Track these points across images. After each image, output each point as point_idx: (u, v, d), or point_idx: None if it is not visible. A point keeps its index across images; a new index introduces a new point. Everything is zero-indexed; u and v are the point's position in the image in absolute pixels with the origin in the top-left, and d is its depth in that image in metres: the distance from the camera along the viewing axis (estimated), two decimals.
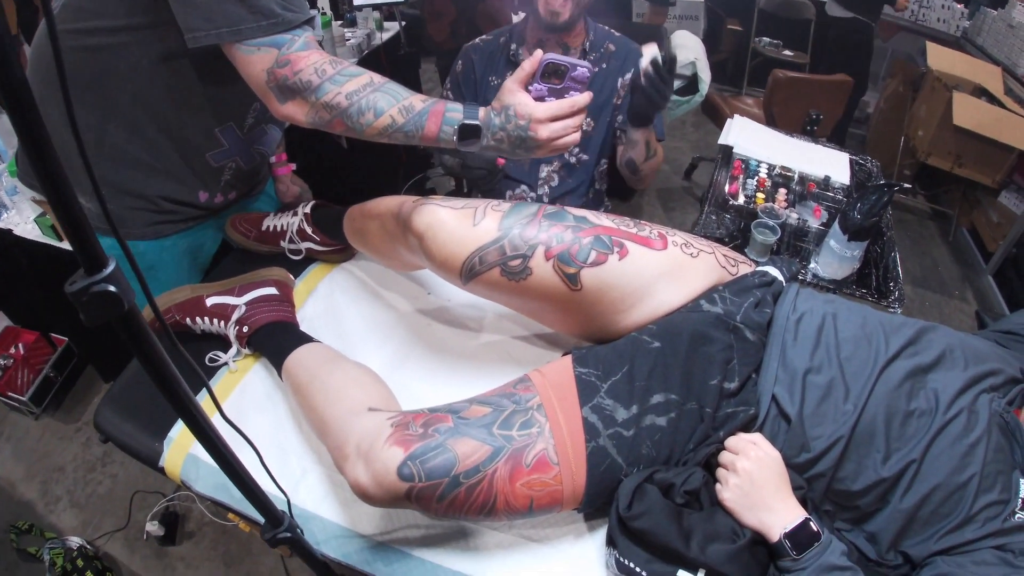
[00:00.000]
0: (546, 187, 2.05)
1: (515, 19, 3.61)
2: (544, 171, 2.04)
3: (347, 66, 1.18)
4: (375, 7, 3.12)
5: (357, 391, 1.16)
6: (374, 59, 3.06)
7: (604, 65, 1.91)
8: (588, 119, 1.95)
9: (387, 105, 1.14)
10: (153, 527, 2.23)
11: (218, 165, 1.52)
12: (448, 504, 0.95)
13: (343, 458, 1.03)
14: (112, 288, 0.54)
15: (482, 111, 1.15)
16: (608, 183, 2.11)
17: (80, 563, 2.15)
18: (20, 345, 2.87)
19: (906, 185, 1.69)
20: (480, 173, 1.76)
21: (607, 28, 1.97)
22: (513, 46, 1.93)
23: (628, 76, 1.91)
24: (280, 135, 1.65)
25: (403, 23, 3.19)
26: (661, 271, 1.11)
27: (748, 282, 1.16)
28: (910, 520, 0.97)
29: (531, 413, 0.98)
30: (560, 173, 2.04)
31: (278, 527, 0.92)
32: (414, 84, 3.73)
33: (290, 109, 1.18)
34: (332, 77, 1.14)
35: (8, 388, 2.73)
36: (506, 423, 0.97)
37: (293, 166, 1.83)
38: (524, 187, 2.08)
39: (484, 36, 2.03)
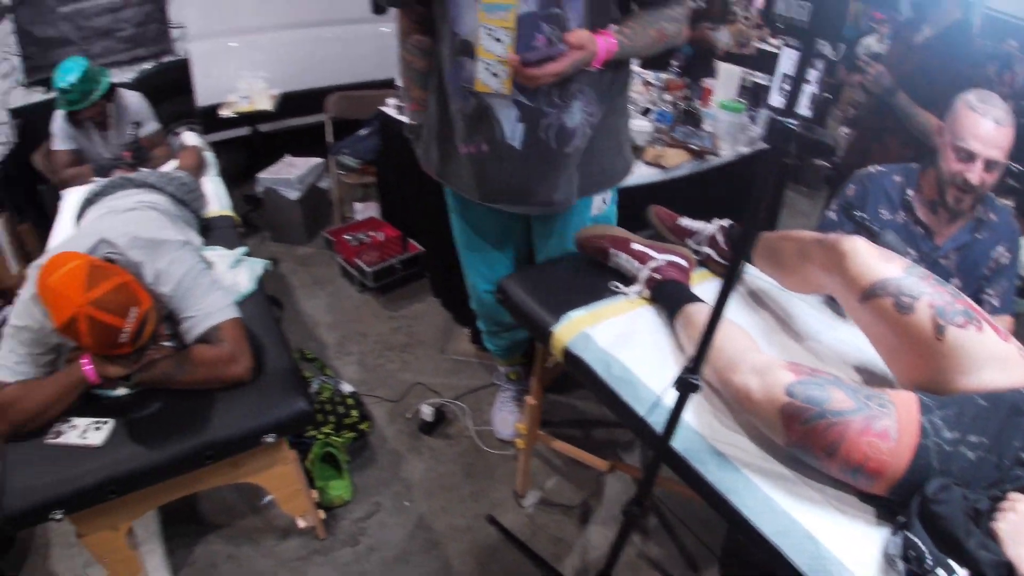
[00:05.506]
0: None
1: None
2: None
3: None
4: (773, 110, 3.48)
5: (749, 339, 1.48)
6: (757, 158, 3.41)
7: (980, 235, 2.00)
8: (956, 279, 2.05)
9: None
10: (427, 411, 2.61)
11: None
12: (806, 431, 1.21)
13: (735, 371, 1.34)
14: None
15: None
16: None
17: (350, 401, 2.57)
18: (382, 233, 3.45)
19: None
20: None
21: (994, 196, 2.04)
22: (910, 192, 2.05)
23: (1000, 247, 2.00)
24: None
25: None
26: (998, 356, 1.30)
27: None
28: None
29: (884, 401, 1.22)
30: None
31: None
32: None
33: None
34: None
35: (357, 257, 3.30)
36: (868, 396, 1.22)
37: None
38: None
39: (880, 168, 2.15)
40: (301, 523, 2.13)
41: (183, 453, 1.64)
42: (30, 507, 1.53)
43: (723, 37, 3.76)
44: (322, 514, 2.16)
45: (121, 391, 1.73)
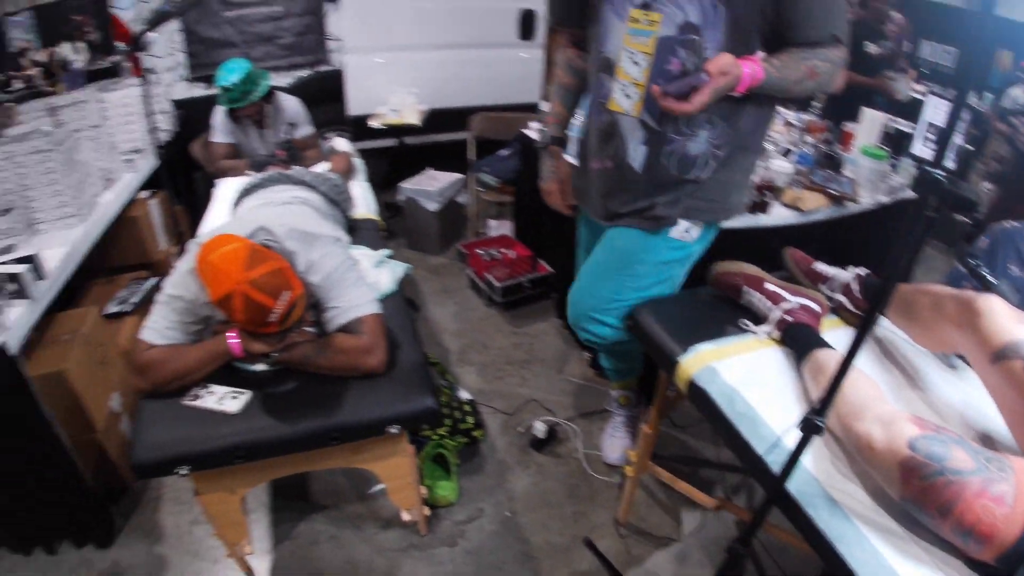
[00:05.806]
0: None
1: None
2: None
3: None
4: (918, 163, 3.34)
5: (876, 389, 1.44)
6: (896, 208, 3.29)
7: None
8: None
9: None
10: (540, 427, 2.65)
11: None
12: (923, 487, 1.16)
13: (858, 419, 1.30)
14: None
15: None
16: None
17: (467, 408, 2.65)
18: (514, 251, 3.54)
19: None
20: None
21: None
22: None
23: None
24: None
25: None
26: None
27: None
28: None
29: (1004, 465, 1.17)
30: None
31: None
32: None
33: None
34: None
35: (487, 272, 3.40)
36: (988, 459, 1.17)
37: None
38: None
39: (1014, 223, 2.07)
40: (405, 516, 2.19)
41: (312, 431, 1.73)
42: (159, 459, 1.65)
43: (903, 87, 3.68)
44: (427, 511, 2.23)
45: (260, 367, 1.84)
